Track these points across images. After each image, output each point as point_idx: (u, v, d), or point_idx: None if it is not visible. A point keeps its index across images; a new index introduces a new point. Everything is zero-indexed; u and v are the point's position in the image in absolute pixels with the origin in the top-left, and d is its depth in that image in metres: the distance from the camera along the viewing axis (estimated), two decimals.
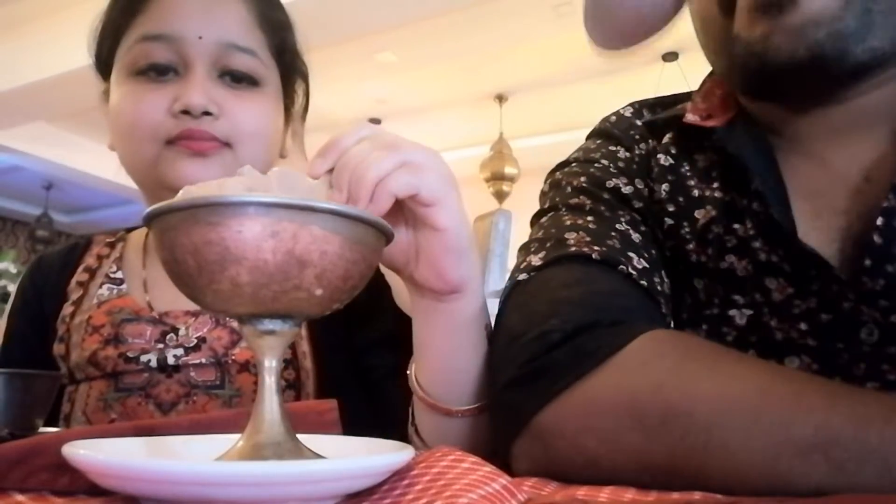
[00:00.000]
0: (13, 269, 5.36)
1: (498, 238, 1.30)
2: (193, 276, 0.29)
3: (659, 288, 0.53)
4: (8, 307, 0.82)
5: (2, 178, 6.15)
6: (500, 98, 5.03)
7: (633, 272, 0.51)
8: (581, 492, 0.36)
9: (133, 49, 0.67)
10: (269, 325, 0.31)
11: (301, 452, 0.32)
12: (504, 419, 0.46)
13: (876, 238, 0.45)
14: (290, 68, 0.76)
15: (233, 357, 0.69)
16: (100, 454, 0.28)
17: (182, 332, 0.71)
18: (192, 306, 0.71)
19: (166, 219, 0.29)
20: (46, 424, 0.70)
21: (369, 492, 0.31)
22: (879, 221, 0.45)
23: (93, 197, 6.47)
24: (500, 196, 4.94)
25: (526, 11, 3.84)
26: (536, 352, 0.44)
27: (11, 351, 0.79)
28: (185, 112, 0.65)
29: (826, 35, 0.43)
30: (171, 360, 0.69)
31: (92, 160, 5.48)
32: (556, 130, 5.27)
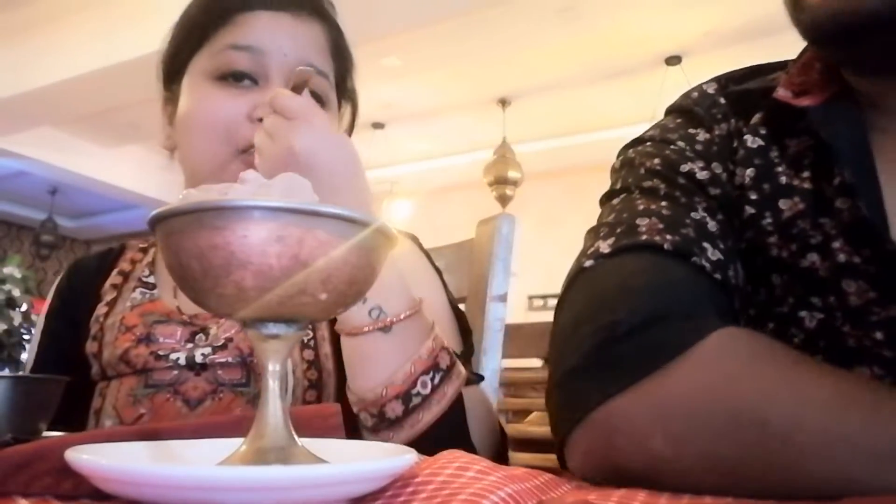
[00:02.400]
0: (18, 274, 5.36)
1: (502, 242, 1.29)
2: (198, 280, 0.29)
3: (733, 282, 0.50)
4: (44, 309, 0.86)
5: (7, 183, 6.17)
6: (504, 102, 5.03)
7: (707, 264, 0.48)
8: (592, 495, 0.36)
9: (218, 56, 0.70)
10: (273, 329, 0.31)
11: (304, 457, 0.31)
12: (564, 406, 0.44)
13: None
14: (345, 94, 0.81)
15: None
16: (103, 459, 0.28)
17: (212, 332, 0.74)
18: None
19: (172, 222, 0.29)
20: (74, 421, 0.72)
21: (373, 497, 0.31)
22: None
23: (97, 202, 6.48)
24: (504, 200, 4.94)
25: (529, 16, 3.85)
26: (603, 341, 0.43)
27: (47, 350, 0.82)
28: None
29: None
30: (198, 359, 0.71)
31: (97, 165, 5.50)
32: (559, 134, 5.27)
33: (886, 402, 0.36)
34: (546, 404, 0.48)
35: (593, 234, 0.54)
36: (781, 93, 0.52)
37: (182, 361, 0.71)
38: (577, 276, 0.50)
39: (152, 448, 0.36)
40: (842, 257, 0.47)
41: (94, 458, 0.28)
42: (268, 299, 0.29)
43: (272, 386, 0.32)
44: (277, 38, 0.69)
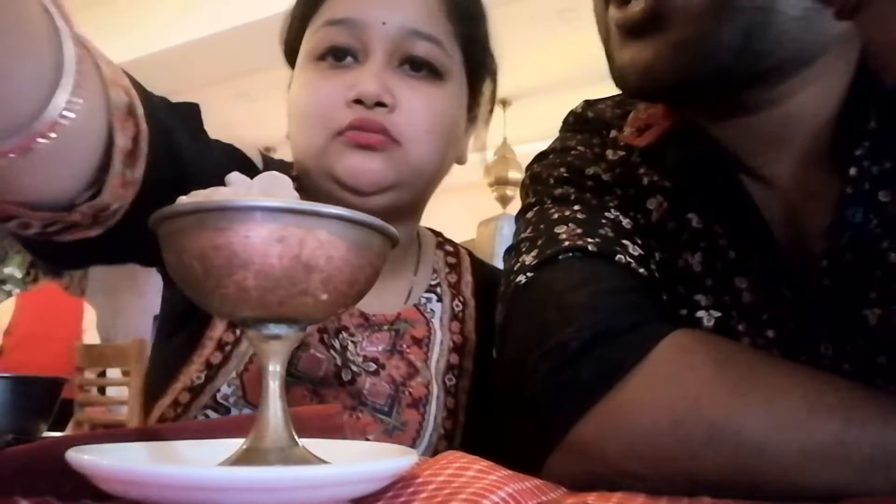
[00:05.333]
0: (18, 274, 5.36)
1: (502, 242, 1.31)
2: (200, 281, 0.29)
3: (656, 275, 0.50)
4: None
5: None
6: (504, 103, 5.03)
7: (631, 260, 0.48)
8: (591, 497, 0.36)
9: (316, 34, 0.64)
10: (274, 329, 0.31)
11: (305, 457, 0.31)
12: (534, 435, 0.44)
13: (825, 263, 0.43)
14: (478, 64, 0.70)
15: (409, 389, 0.66)
16: (104, 459, 0.28)
17: (354, 345, 0.66)
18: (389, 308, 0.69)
19: (174, 222, 0.29)
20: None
21: (374, 498, 0.31)
22: (828, 243, 0.43)
23: None
24: (504, 201, 4.95)
25: (530, 16, 3.85)
26: (556, 364, 0.43)
27: None
28: (359, 101, 0.61)
29: (699, 55, 0.40)
30: (346, 376, 0.63)
31: None
32: None
33: (855, 404, 0.36)
34: (509, 438, 0.48)
35: (515, 251, 0.54)
36: (627, 132, 0.54)
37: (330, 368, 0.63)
38: (512, 297, 0.50)
39: (153, 448, 0.36)
40: (732, 254, 0.47)
41: (95, 458, 0.28)
42: (269, 299, 0.29)
43: (273, 386, 0.32)
44: (374, 7, 0.62)
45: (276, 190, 0.30)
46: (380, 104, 0.61)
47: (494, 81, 0.74)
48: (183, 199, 0.30)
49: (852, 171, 0.42)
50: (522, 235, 0.54)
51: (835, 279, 0.43)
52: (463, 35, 0.67)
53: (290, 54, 0.70)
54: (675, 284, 0.50)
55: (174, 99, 0.59)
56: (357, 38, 0.62)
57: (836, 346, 0.44)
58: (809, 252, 0.45)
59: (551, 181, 0.57)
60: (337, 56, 0.63)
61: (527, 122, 5.12)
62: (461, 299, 0.75)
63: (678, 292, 0.50)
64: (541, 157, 0.62)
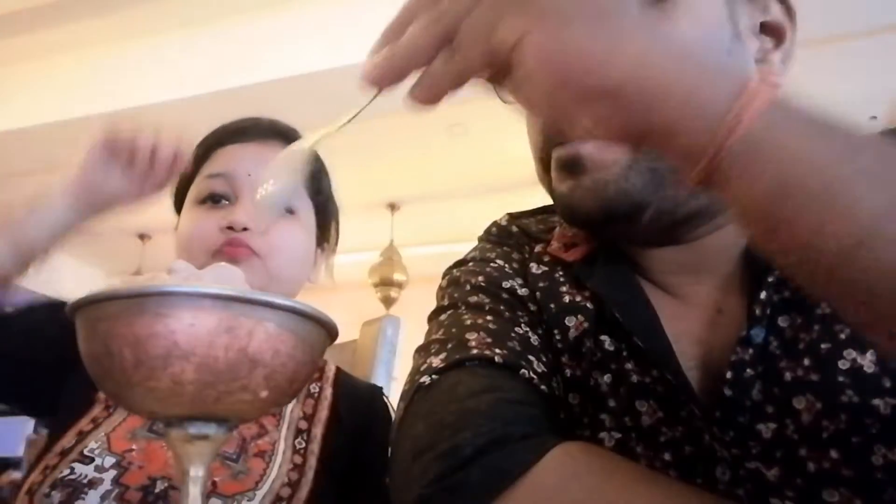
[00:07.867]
0: None
1: (385, 345, 1.27)
2: (127, 371, 0.26)
3: (557, 393, 0.52)
4: None
5: None
6: (393, 207, 5.14)
7: (535, 377, 0.49)
8: None
9: (200, 184, 0.86)
10: (203, 429, 0.28)
11: None
12: None
13: (728, 374, 0.46)
14: (325, 210, 0.94)
15: (256, 443, 0.76)
16: None
17: None
18: None
19: (102, 307, 0.26)
20: None
21: None
22: (733, 356, 0.46)
23: None
24: (388, 302, 4.93)
25: (422, 129, 4.04)
26: (447, 468, 0.42)
27: None
28: (230, 227, 0.81)
29: (615, 193, 0.47)
30: None
31: None
32: (445, 241, 5.40)
33: None
34: None
35: (424, 352, 0.54)
36: (554, 245, 0.59)
37: None
38: (414, 395, 0.50)
39: None
40: (635, 378, 0.50)
41: None
42: (205, 395, 0.27)
43: (193, 493, 0.28)
44: (243, 163, 0.85)
45: (227, 280, 0.28)
46: (245, 228, 0.82)
47: (337, 223, 0.99)
48: (114, 283, 0.27)
49: (762, 294, 0.47)
50: (434, 337, 0.55)
51: (735, 390, 0.46)
52: (312, 188, 0.91)
53: (178, 202, 0.92)
54: (585, 402, 0.51)
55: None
56: (230, 186, 0.85)
57: (733, 470, 0.46)
58: (715, 366, 0.48)
59: (468, 287, 0.58)
60: (215, 200, 0.85)
61: (413, 227, 5.24)
62: (318, 384, 0.86)
63: (587, 410, 0.51)
64: (460, 263, 0.64)
